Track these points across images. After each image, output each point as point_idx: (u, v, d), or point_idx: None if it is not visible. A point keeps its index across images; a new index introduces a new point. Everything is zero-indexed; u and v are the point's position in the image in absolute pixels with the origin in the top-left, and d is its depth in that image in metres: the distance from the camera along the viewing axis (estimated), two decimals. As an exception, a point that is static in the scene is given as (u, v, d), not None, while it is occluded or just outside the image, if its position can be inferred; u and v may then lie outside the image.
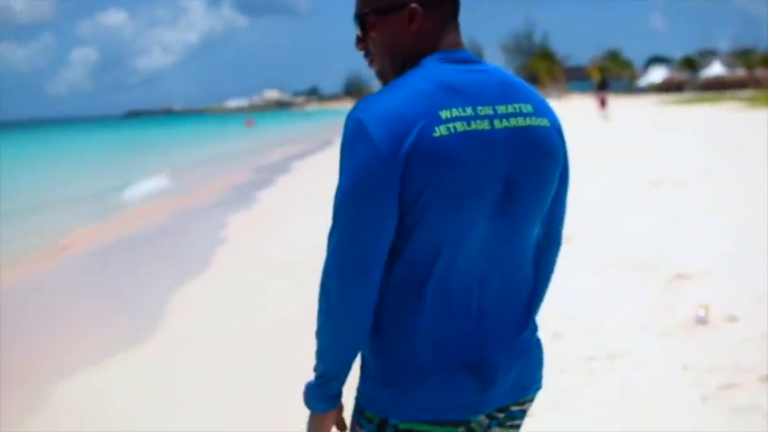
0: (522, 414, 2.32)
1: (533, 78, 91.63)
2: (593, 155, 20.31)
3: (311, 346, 2.21)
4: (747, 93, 60.60)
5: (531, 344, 2.29)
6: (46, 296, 11.06)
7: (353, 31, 2.30)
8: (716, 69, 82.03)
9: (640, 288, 7.85)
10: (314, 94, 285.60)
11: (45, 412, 6.49)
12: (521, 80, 2.26)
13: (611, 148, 23.01)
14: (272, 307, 9.04)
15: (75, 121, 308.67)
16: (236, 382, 6.65)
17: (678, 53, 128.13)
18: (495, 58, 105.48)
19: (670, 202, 12.76)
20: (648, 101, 63.94)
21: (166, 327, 8.61)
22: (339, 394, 2.21)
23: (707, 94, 66.20)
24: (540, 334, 2.35)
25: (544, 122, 2.20)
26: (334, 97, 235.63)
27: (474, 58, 2.20)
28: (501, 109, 2.13)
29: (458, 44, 2.22)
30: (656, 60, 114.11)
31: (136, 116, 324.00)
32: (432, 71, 2.12)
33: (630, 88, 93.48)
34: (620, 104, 53.78)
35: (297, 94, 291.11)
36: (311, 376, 2.22)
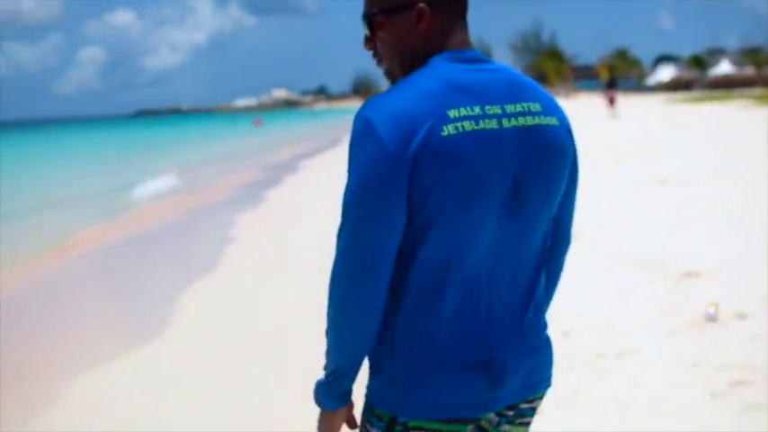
0: (532, 412, 2.32)
1: (542, 77, 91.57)
2: (602, 153, 20.30)
3: (321, 344, 2.22)
4: (756, 91, 60.48)
5: (541, 342, 2.29)
6: (54, 295, 11.08)
7: (362, 30, 2.30)
8: (724, 68, 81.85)
9: (649, 286, 7.83)
10: (322, 93, 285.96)
11: (52, 412, 6.51)
12: (529, 79, 2.26)
13: (619, 147, 22.99)
14: (282, 305, 9.04)
15: (84, 120, 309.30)
16: (245, 381, 6.66)
17: (686, 52, 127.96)
18: (504, 57, 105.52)
19: (678, 200, 12.74)
20: (657, 99, 63.86)
21: (175, 326, 8.62)
22: (349, 392, 2.22)
23: (715, 93, 66.08)
24: (550, 332, 2.35)
25: (553, 121, 2.19)
26: (342, 96, 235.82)
27: (482, 58, 2.20)
28: (509, 108, 2.12)
29: (466, 43, 2.21)
30: (665, 59, 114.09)
31: (144, 115, 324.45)
32: (440, 70, 2.12)
33: (639, 87, 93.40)
34: (628, 103, 53.71)
35: (305, 93, 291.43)
36: (321, 374, 2.22)
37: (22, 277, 12.25)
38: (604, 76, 78.38)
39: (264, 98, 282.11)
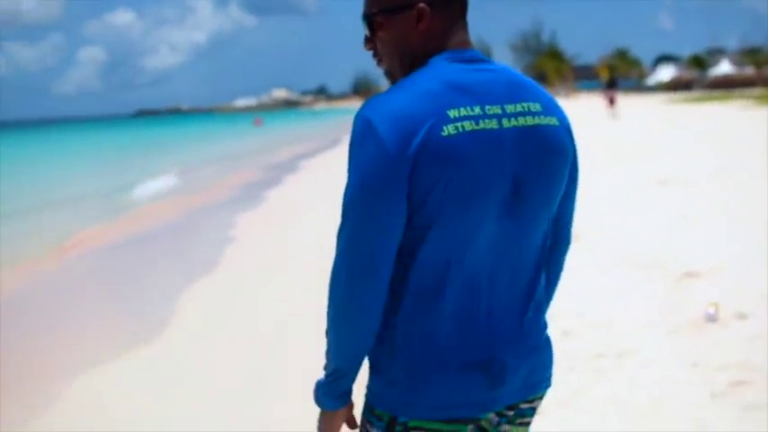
0: (532, 412, 2.32)
1: (542, 77, 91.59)
2: (602, 153, 20.31)
3: (321, 343, 2.22)
4: (756, 91, 60.48)
5: (541, 342, 2.29)
6: (54, 295, 11.09)
7: (361, 30, 2.30)
8: (724, 68, 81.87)
9: (649, 286, 7.84)
10: (322, 93, 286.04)
11: (52, 412, 6.51)
12: (529, 79, 2.26)
13: (619, 147, 23.00)
14: (282, 305, 9.05)
15: (84, 120, 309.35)
16: (245, 381, 6.67)
17: (686, 52, 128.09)
18: (504, 57, 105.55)
19: (678, 200, 12.75)
20: (657, 99, 63.88)
21: (175, 326, 8.63)
22: (349, 392, 2.22)
23: (715, 93, 66.09)
24: (550, 332, 2.35)
25: (553, 121, 2.20)
26: (342, 96, 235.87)
27: (482, 58, 2.20)
28: (509, 108, 2.13)
29: (466, 43, 2.22)
30: (665, 59, 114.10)
31: (144, 115, 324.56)
32: (440, 70, 2.12)
33: (639, 87, 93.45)
34: (628, 103, 53.74)
35: (305, 93, 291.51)
36: (321, 374, 2.22)
37: (22, 277, 12.25)
38: (604, 76, 78.38)
39: (264, 98, 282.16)
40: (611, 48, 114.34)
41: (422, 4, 2.16)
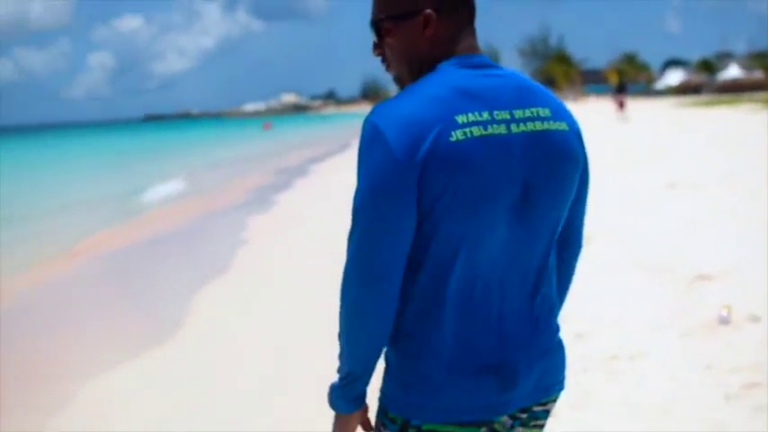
0: (546, 414, 2.33)
1: (550, 81, 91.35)
2: (613, 157, 20.26)
3: (334, 345, 2.24)
4: (765, 95, 60.24)
5: (553, 345, 2.30)
6: (67, 298, 11.12)
7: (370, 35, 2.31)
8: (733, 72, 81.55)
9: (661, 289, 7.84)
10: (331, 97, 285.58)
11: (66, 414, 6.54)
12: (538, 84, 2.27)
13: (629, 150, 22.94)
14: (295, 307, 9.06)
15: (93, 125, 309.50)
16: (259, 382, 6.69)
17: (694, 56, 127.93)
18: (512, 62, 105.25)
19: (689, 203, 12.72)
20: (666, 103, 63.68)
21: (188, 327, 8.65)
22: (363, 395, 2.23)
23: (724, 97, 65.82)
24: (563, 334, 2.36)
25: (562, 126, 2.20)
26: (351, 101, 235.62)
27: (491, 63, 2.21)
28: (518, 113, 2.13)
29: (474, 49, 2.22)
30: (673, 63, 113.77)
31: (153, 120, 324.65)
32: (448, 76, 2.13)
33: (647, 91, 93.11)
34: (637, 107, 53.59)
35: (314, 97, 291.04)
36: (335, 377, 2.23)
37: (35, 280, 12.28)
38: (613, 80, 78.13)
39: (273, 103, 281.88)
40: (620, 52, 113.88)
41: (428, 11, 2.17)
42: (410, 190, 2.02)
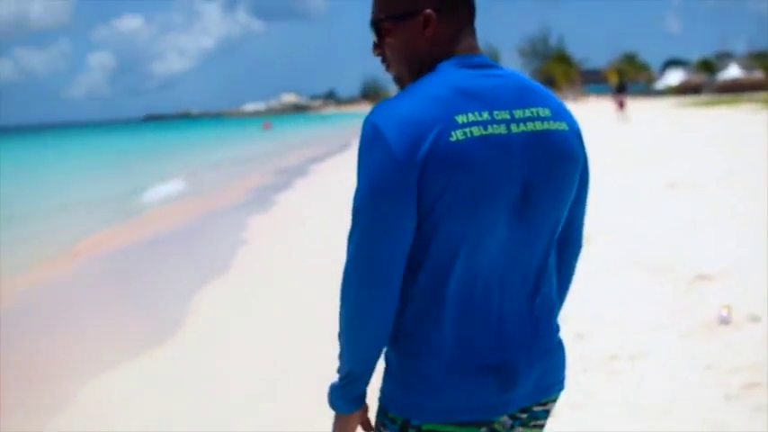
0: (546, 414, 2.33)
1: (550, 81, 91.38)
2: (613, 157, 20.27)
3: (334, 346, 2.24)
4: (765, 95, 60.27)
5: (553, 345, 2.30)
6: (67, 298, 11.13)
7: (370, 35, 2.31)
8: (733, 72, 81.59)
9: (661, 289, 7.85)
10: (331, 97, 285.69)
11: (66, 414, 6.54)
12: (538, 84, 2.27)
13: (630, 150, 22.95)
14: (295, 307, 9.07)
15: (93, 125, 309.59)
16: (259, 382, 6.69)
17: (694, 56, 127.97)
18: (512, 62, 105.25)
19: (689, 203, 12.73)
20: (666, 103, 63.71)
21: (188, 327, 8.66)
22: (363, 395, 2.23)
23: (724, 97, 65.85)
24: (563, 334, 2.36)
25: (562, 126, 2.20)
26: (351, 101, 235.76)
27: (491, 63, 2.21)
28: (518, 113, 2.13)
29: (474, 49, 2.22)
30: (673, 63, 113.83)
31: (154, 120, 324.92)
32: (448, 76, 2.13)
33: (647, 91, 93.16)
34: (637, 107, 53.62)
35: (314, 97, 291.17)
36: (335, 377, 2.23)
37: (35, 280, 12.29)
38: (613, 80, 78.16)
39: (273, 103, 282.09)
40: (620, 52, 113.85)
41: (428, 11, 2.18)
42: (410, 190, 2.02)
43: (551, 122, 2.18)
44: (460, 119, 2.05)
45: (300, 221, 16.53)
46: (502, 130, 2.09)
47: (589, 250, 7.81)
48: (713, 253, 9.02)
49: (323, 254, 10.87)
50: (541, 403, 2.30)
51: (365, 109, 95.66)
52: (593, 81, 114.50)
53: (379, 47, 2.30)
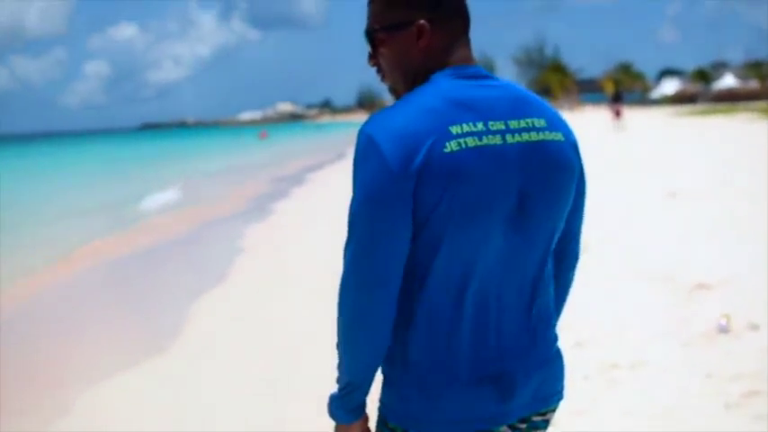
0: (545, 424, 2.33)
1: (546, 91, 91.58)
2: (610, 166, 20.30)
3: (332, 355, 2.24)
4: (761, 104, 60.41)
5: (551, 355, 2.30)
6: (65, 306, 11.11)
7: (366, 45, 2.32)
8: (728, 81, 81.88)
9: (661, 298, 7.85)
10: (327, 106, 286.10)
11: (66, 421, 6.54)
12: (534, 95, 2.27)
13: (627, 160, 22.98)
14: (293, 315, 9.07)
15: (89, 133, 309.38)
16: (258, 390, 6.69)
17: (689, 66, 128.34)
18: (507, 72, 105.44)
19: (686, 212, 12.74)
20: (662, 112, 63.83)
21: (186, 335, 8.65)
22: (363, 405, 2.23)
23: (720, 106, 66.03)
24: (562, 343, 2.36)
25: (558, 137, 2.20)
26: (346, 109, 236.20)
27: (485, 74, 2.21)
28: (513, 124, 2.13)
29: (469, 59, 2.23)
30: (668, 73, 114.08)
31: (150, 129, 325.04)
32: (442, 87, 2.13)
33: (643, 100, 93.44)
34: (633, 116, 53.71)
35: (310, 106, 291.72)
36: (334, 387, 2.23)
37: (32, 288, 12.28)
38: (609, 89, 78.41)
39: (269, 111, 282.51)
40: (615, 61, 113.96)
41: (422, 21, 2.18)
42: (405, 200, 2.02)
43: (547, 133, 2.18)
44: (455, 130, 2.05)
45: (297, 230, 16.54)
46: (497, 140, 2.09)
47: (589, 259, 7.84)
48: (713, 262, 9.03)
49: (320, 262, 10.87)
50: (541, 413, 2.29)
51: (361, 118, 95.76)
52: (588, 90, 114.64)
53: (374, 57, 2.30)
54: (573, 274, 2.46)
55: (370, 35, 2.28)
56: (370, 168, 2.03)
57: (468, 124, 2.07)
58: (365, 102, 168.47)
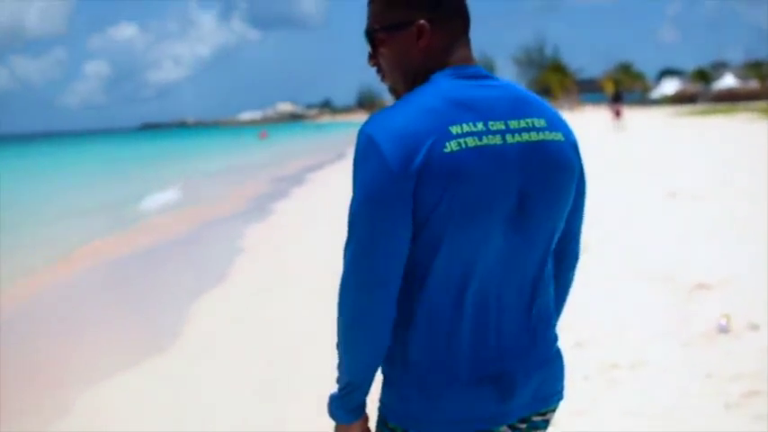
0: (545, 424, 2.33)
1: (546, 91, 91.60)
2: (611, 166, 20.31)
3: (332, 354, 2.24)
4: (761, 104, 60.43)
5: (551, 355, 2.30)
6: (65, 306, 11.11)
7: (366, 45, 2.32)
8: (728, 81, 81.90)
9: (661, 298, 7.85)
10: (327, 106, 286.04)
11: (66, 421, 6.54)
12: (534, 95, 2.27)
13: (627, 159, 22.99)
14: (293, 315, 9.07)
15: (89, 133, 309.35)
16: (258, 390, 6.68)
17: (689, 66, 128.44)
18: (508, 72, 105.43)
19: (686, 212, 12.75)
20: (662, 112, 63.85)
21: (187, 335, 8.66)
22: (363, 405, 2.23)
23: (720, 106, 66.05)
24: (562, 343, 2.36)
25: (558, 137, 2.20)
26: (346, 109, 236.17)
27: (485, 74, 2.21)
28: (513, 124, 2.13)
29: (469, 59, 2.23)
30: (668, 73, 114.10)
31: (150, 129, 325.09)
32: (442, 87, 2.13)
33: (643, 100, 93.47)
34: (634, 116, 53.73)
35: (310, 106, 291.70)
36: (334, 387, 2.23)
37: (32, 288, 12.28)
38: (609, 89, 78.42)
39: (269, 111, 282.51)
40: (615, 61, 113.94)
41: (422, 21, 2.18)
42: (405, 200, 2.02)
43: (547, 133, 2.18)
44: (455, 130, 2.05)
45: (298, 230, 16.55)
46: (497, 140, 2.09)
47: (589, 259, 7.84)
48: (713, 262, 9.04)
49: (320, 262, 10.88)
50: (541, 413, 2.29)
51: (361, 118, 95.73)
52: (588, 90, 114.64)
53: (374, 57, 2.30)
54: (573, 275, 2.46)
55: (370, 35, 2.28)
56: (370, 168, 2.03)
57: (468, 124, 2.07)
58: (365, 102, 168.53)
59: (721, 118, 44.94)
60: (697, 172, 18.20)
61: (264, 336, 8.39)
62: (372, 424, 2.27)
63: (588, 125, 42.49)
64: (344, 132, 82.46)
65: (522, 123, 2.15)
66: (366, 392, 2.20)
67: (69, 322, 10.09)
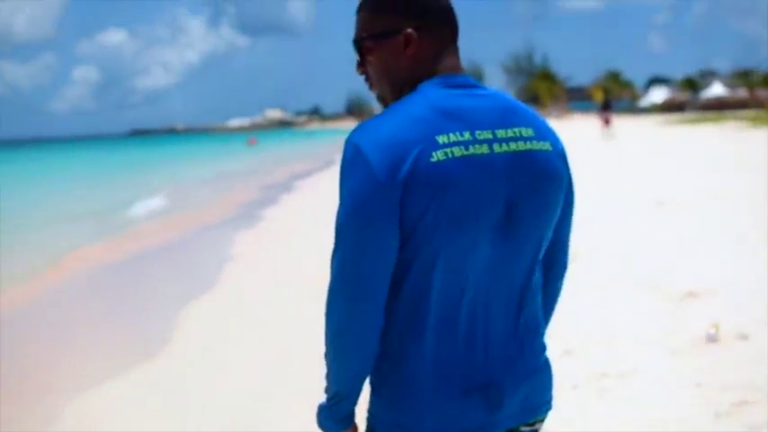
0: (534, 434, 2.33)
1: (534, 99, 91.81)
2: (599, 174, 20.35)
3: (321, 363, 2.23)
4: (749, 113, 60.66)
5: (539, 364, 2.29)
6: (53, 312, 11.08)
7: (354, 53, 2.32)
8: (716, 90, 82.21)
9: (650, 306, 7.86)
10: (316, 113, 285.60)
11: (55, 429, 6.52)
12: (522, 104, 2.27)
13: (616, 167, 23.06)
14: (282, 322, 9.07)
15: (79, 139, 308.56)
16: (247, 397, 6.68)
17: (677, 74, 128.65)
18: (496, 79, 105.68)
19: (675, 221, 12.78)
20: (651, 120, 64.05)
21: (176, 342, 8.64)
22: (351, 415, 2.22)
23: (709, 114, 66.29)
24: (551, 351, 2.36)
25: (545, 146, 2.20)
26: (335, 116, 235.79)
27: (473, 83, 2.21)
28: (501, 133, 2.13)
29: (457, 68, 2.23)
30: (657, 81, 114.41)
31: (139, 135, 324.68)
32: (429, 96, 2.13)
33: (632, 108, 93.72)
34: (622, 124, 53.85)
35: (299, 113, 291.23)
36: (322, 396, 2.23)
37: (20, 294, 12.24)
38: (598, 97, 78.67)
39: (258, 118, 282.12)
40: (604, 69, 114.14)
41: (409, 30, 2.18)
42: (392, 210, 2.02)
43: (534, 142, 2.18)
44: (441, 139, 2.05)
45: (287, 237, 16.55)
46: (484, 150, 2.09)
47: (578, 267, 7.85)
48: (701, 270, 9.06)
49: (309, 269, 10.87)
50: (529, 423, 2.28)
51: (350, 125, 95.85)
52: (577, 98, 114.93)
53: (362, 65, 2.30)
54: (561, 284, 2.46)
55: (358, 43, 2.28)
56: (357, 178, 2.03)
57: (454, 134, 2.06)
58: (354, 109, 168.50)
59: (710, 126, 45.14)
60: (686, 180, 18.25)
61: (253, 342, 8.38)
62: (362, 433, 2.27)
63: (577, 133, 42.59)
64: (333, 139, 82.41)
65: (510, 133, 2.14)
66: (354, 402, 2.20)
67: (58, 328, 10.06)
